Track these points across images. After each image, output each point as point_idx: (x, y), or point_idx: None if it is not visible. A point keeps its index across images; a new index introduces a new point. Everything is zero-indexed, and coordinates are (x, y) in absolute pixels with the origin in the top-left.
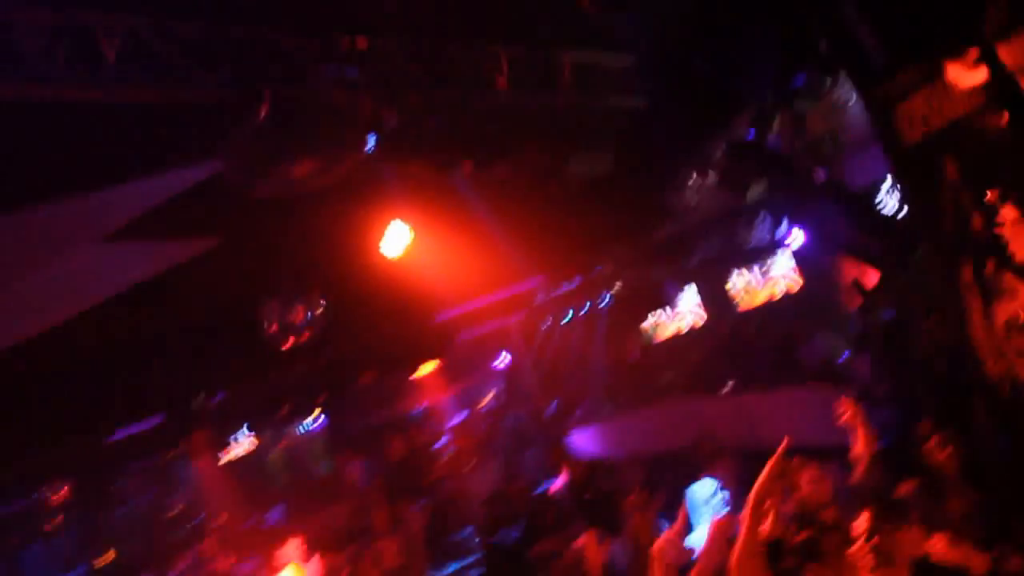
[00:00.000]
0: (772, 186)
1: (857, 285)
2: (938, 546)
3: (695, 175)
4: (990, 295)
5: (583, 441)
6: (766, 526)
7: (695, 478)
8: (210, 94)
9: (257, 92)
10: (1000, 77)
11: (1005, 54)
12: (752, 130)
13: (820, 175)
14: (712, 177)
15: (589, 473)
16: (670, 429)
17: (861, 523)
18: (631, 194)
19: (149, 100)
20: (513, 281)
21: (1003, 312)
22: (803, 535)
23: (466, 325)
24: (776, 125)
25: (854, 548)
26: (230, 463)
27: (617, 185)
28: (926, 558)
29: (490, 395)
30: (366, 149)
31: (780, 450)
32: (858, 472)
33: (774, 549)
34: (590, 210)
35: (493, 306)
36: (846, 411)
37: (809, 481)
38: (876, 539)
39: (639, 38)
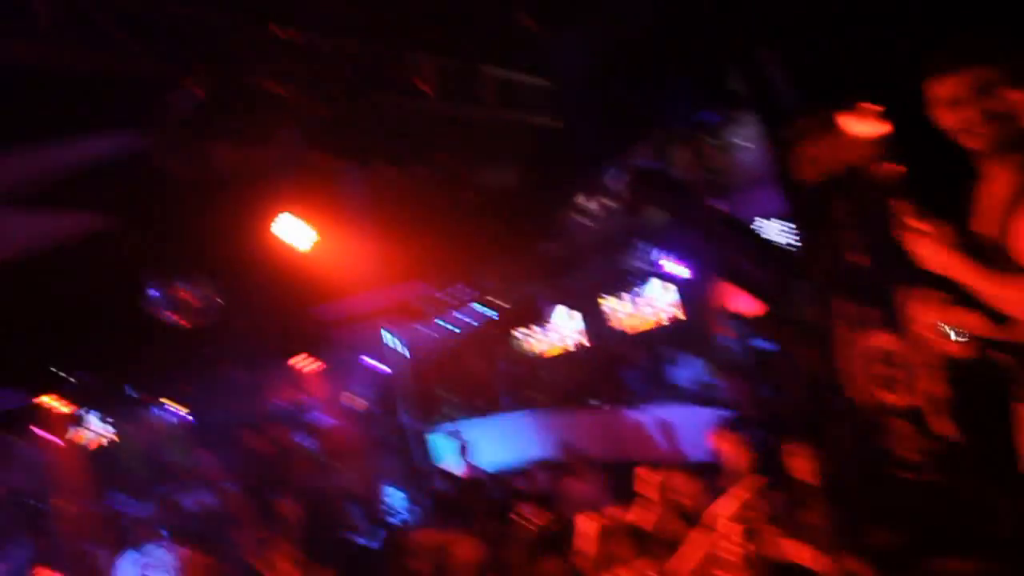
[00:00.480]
0: (670, 213)
1: (732, 314)
2: (794, 550)
3: (592, 197)
4: (860, 328)
5: (456, 448)
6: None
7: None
8: (142, 67)
9: (189, 71)
10: (896, 131)
11: (913, 112)
12: (648, 159)
13: (716, 206)
14: (609, 201)
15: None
16: (543, 440)
17: (730, 527)
18: (530, 210)
19: (80, 66)
20: (399, 283)
21: (871, 345)
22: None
23: (347, 323)
24: (677, 155)
25: (723, 549)
26: (86, 447)
27: (519, 200)
28: (784, 561)
29: (363, 397)
30: (291, 140)
31: None
32: (728, 483)
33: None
34: (489, 222)
35: (376, 307)
36: (720, 430)
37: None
38: (742, 541)
39: (563, 61)
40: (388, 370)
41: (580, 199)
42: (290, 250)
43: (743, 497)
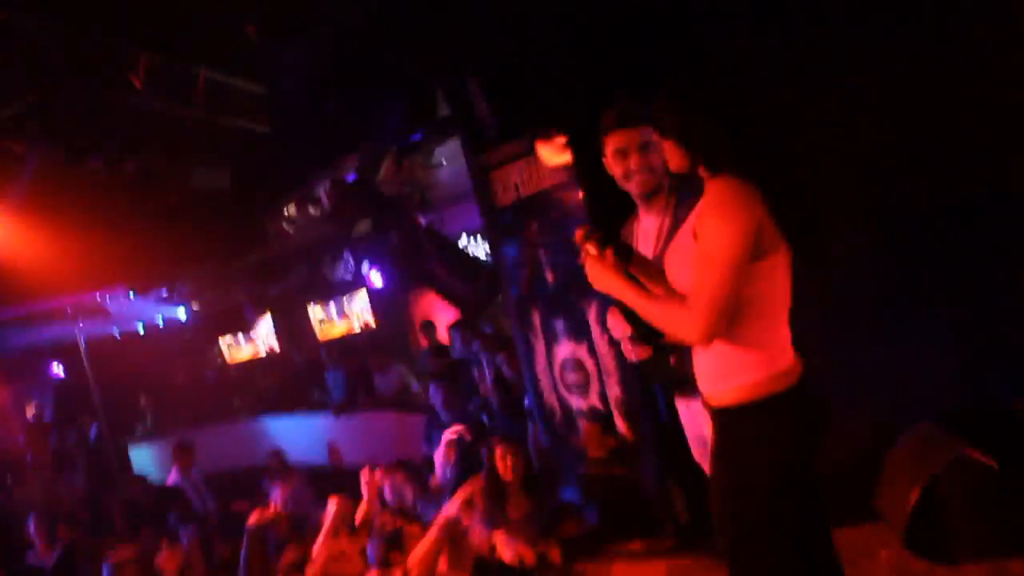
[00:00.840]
0: (375, 225)
1: (427, 325)
2: (498, 542)
3: (295, 206)
4: (552, 339)
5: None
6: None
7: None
8: None
9: None
10: (581, 162)
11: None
12: (354, 172)
13: (419, 220)
14: (312, 210)
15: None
16: (243, 446)
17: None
18: (239, 216)
19: None
20: (98, 285)
21: (560, 353)
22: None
23: (33, 326)
24: (384, 170)
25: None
26: None
27: (227, 205)
28: (490, 550)
29: (33, 405)
30: None
31: None
32: (435, 479)
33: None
34: (197, 225)
35: (72, 309)
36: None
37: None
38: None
39: (278, 69)
40: (74, 378)
41: (288, 208)
42: None
43: (463, 496)
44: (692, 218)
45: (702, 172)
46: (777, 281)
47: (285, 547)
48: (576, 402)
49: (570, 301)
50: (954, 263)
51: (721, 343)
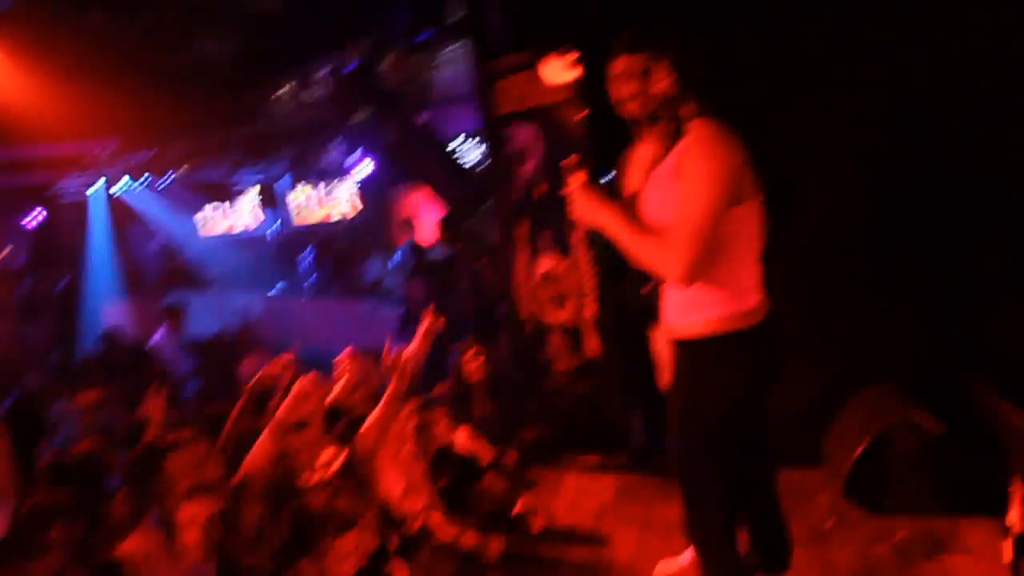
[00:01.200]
0: (375, 116)
1: (406, 223)
2: (460, 437)
3: (298, 87)
4: (535, 251)
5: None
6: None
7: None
8: None
9: None
10: (586, 81)
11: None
12: (357, 61)
13: (419, 116)
14: (311, 92)
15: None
16: (211, 318)
17: (405, 412)
18: (236, 89)
19: None
20: (84, 137)
21: (542, 266)
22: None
23: (18, 171)
24: (386, 62)
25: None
26: None
27: (225, 77)
28: (450, 445)
29: (6, 250)
30: None
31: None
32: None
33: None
34: (194, 91)
35: (50, 158)
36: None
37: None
38: (416, 423)
39: None
40: (52, 228)
41: (286, 86)
42: None
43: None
44: (673, 155)
45: (685, 110)
46: (749, 226)
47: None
48: (550, 315)
49: (559, 216)
50: (933, 233)
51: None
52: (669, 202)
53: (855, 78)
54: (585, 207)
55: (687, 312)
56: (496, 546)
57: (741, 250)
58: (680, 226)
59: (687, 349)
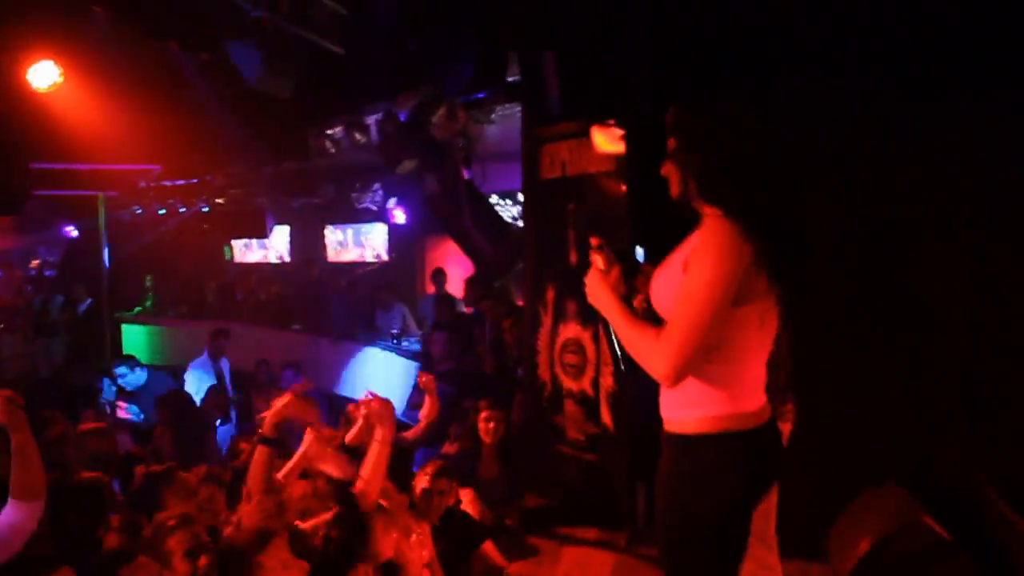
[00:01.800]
0: (421, 168)
1: (438, 273)
2: (464, 496)
3: (343, 129)
4: (560, 317)
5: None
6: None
7: None
8: None
9: None
10: (634, 156)
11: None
12: (408, 111)
13: (464, 172)
14: (359, 137)
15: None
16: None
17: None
18: (283, 123)
19: None
20: (131, 159)
21: (565, 333)
22: None
23: (54, 183)
24: (439, 115)
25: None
26: None
27: (278, 112)
28: (456, 506)
29: (36, 261)
30: None
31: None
32: (419, 429)
33: None
34: (242, 123)
35: (96, 174)
36: (421, 379)
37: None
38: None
39: None
40: (85, 243)
41: (335, 128)
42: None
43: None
44: (686, 247)
45: (696, 205)
46: (755, 327)
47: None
48: (568, 383)
49: (582, 284)
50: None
51: (693, 378)
52: (673, 295)
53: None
54: (594, 290)
55: (683, 407)
56: None
57: (743, 352)
58: (673, 326)
59: (679, 444)
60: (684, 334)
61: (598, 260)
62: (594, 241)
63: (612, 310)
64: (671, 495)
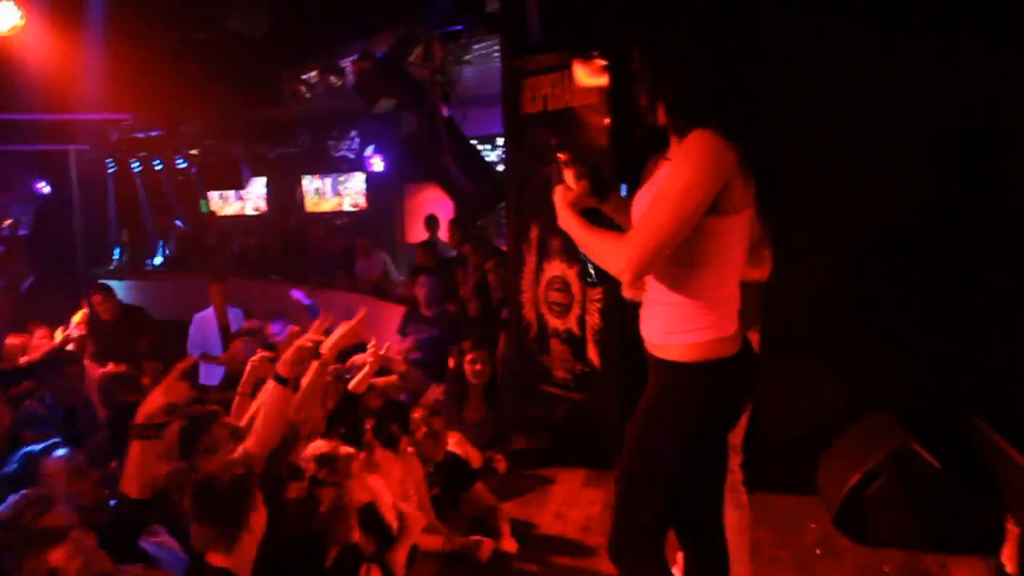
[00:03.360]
0: (399, 106)
1: (432, 219)
2: (451, 440)
3: (318, 72)
4: (544, 255)
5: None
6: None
7: None
8: None
9: None
10: (615, 88)
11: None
12: (385, 49)
13: (443, 111)
14: (335, 79)
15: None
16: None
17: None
18: (257, 69)
19: None
20: (98, 109)
21: (549, 271)
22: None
23: (20, 137)
24: (416, 53)
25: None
26: None
27: (251, 57)
28: (448, 453)
29: (9, 221)
30: None
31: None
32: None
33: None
34: (215, 69)
35: (64, 125)
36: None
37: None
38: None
39: None
40: (58, 199)
41: (310, 72)
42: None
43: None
44: (666, 164)
45: (678, 131)
46: (734, 242)
47: None
48: (553, 322)
49: None
50: (942, 268)
51: (676, 295)
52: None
53: (876, 107)
54: (557, 204)
55: (669, 333)
56: (488, 547)
57: (724, 266)
58: (640, 224)
59: (665, 370)
60: (650, 231)
61: (565, 175)
62: (562, 157)
63: (568, 219)
64: (650, 416)
